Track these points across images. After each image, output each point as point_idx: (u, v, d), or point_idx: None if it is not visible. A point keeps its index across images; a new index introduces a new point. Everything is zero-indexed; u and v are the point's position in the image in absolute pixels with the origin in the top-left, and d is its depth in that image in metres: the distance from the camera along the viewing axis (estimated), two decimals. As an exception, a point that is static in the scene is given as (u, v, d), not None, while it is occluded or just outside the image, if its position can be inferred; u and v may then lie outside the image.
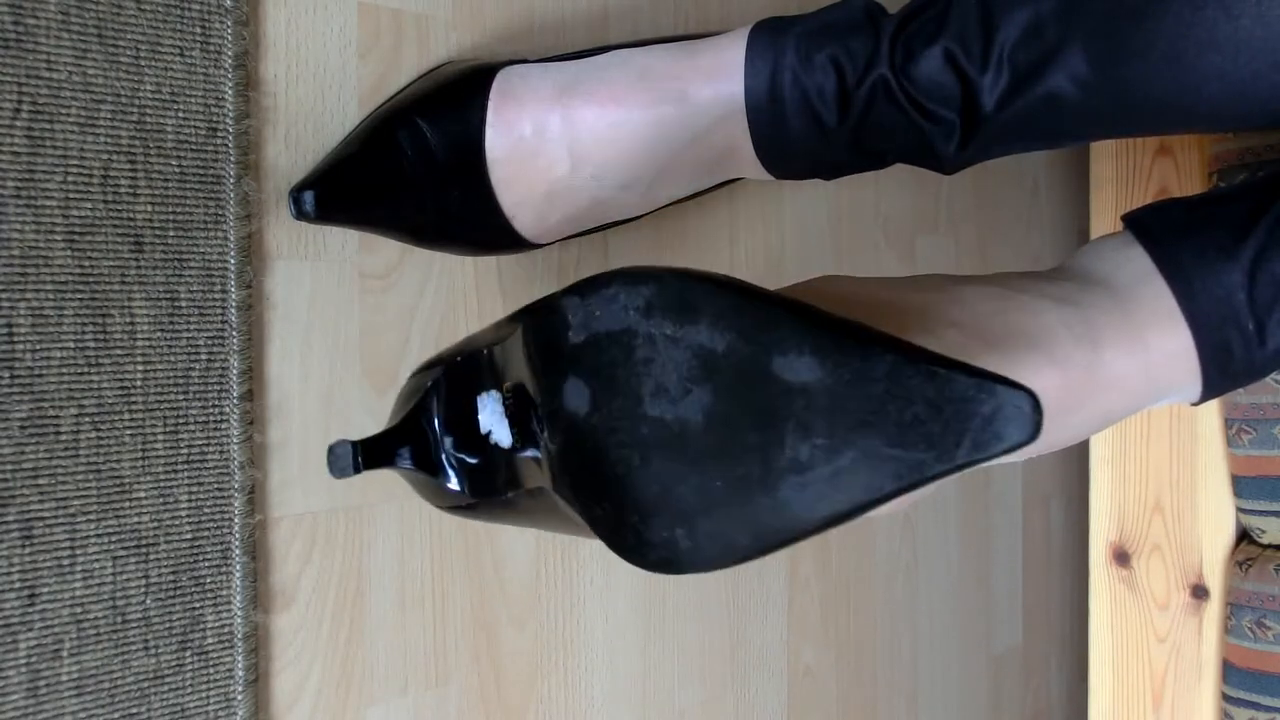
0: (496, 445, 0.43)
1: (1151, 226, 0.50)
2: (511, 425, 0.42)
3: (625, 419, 0.37)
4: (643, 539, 0.37)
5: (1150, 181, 0.89)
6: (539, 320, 0.40)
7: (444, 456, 0.45)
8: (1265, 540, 0.84)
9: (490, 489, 0.45)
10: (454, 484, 0.45)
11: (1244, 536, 0.87)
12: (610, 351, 0.37)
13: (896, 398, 0.32)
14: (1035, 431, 0.31)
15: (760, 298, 0.35)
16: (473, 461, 0.44)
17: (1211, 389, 0.49)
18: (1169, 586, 0.89)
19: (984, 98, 0.53)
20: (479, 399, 0.44)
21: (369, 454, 0.44)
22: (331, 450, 0.44)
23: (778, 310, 0.34)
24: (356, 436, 0.45)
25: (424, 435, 0.45)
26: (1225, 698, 0.84)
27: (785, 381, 0.34)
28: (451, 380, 0.45)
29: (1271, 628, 0.81)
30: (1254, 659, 0.82)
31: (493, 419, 0.43)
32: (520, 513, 0.46)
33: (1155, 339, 0.47)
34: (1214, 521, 0.87)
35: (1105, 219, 0.91)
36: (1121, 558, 0.91)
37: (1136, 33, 0.50)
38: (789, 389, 0.34)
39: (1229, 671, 0.84)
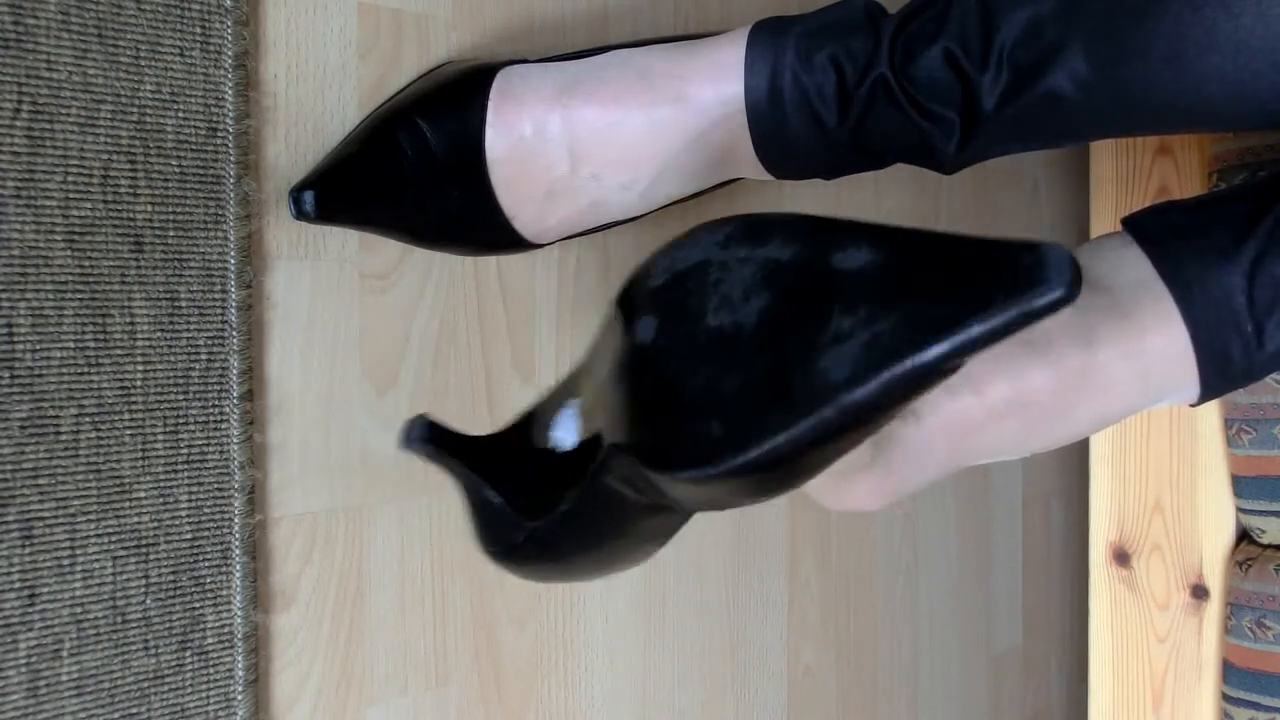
0: (558, 448, 0.43)
1: (1150, 228, 0.50)
2: (581, 426, 0.43)
3: (684, 336, 0.38)
4: (677, 436, 0.36)
5: (1150, 181, 0.89)
6: (629, 283, 0.42)
7: (509, 474, 0.44)
8: (1265, 540, 0.84)
9: (542, 495, 0.44)
10: (508, 491, 0.44)
11: (1244, 536, 0.87)
12: (685, 283, 0.38)
13: (940, 263, 0.33)
14: (1073, 286, 0.31)
15: (824, 218, 0.37)
16: (532, 471, 0.44)
17: (1210, 391, 0.49)
18: (1169, 586, 0.89)
19: (984, 97, 0.53)
20: (562, 412, 0.44)
21: (439, 436, 0.43)
22: (408, 423, 0.43)
23: (842, 220, 0.37)
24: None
25: (505, 457, 0.45)
26: (1225, 698, 0.84)
27: (841, 271, 0.35)
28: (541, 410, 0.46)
29: (1271, 628, 0.81)
30: (1254, 659, 0.82)
31: (565, 426, 0.44)
32: (566, 551, 0.44)
33: (1153, 341, 0.47)
34: (1214, 521, 0.87)
35: (1105, 219, 0.91)
36: (1121, 558, 0.91)
37: (1136, 33, 0.50)
38: (843, 276, 0.35)
39: (1229, 671, 0.84)
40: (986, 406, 0.44)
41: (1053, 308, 0.32)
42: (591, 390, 0.43)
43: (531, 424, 0.46)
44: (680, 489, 0.37)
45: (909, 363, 0.33)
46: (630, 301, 0.40)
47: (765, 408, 0.34)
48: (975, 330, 0.32)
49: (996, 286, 0.32)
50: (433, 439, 0.43)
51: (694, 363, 0.37)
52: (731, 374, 0.36)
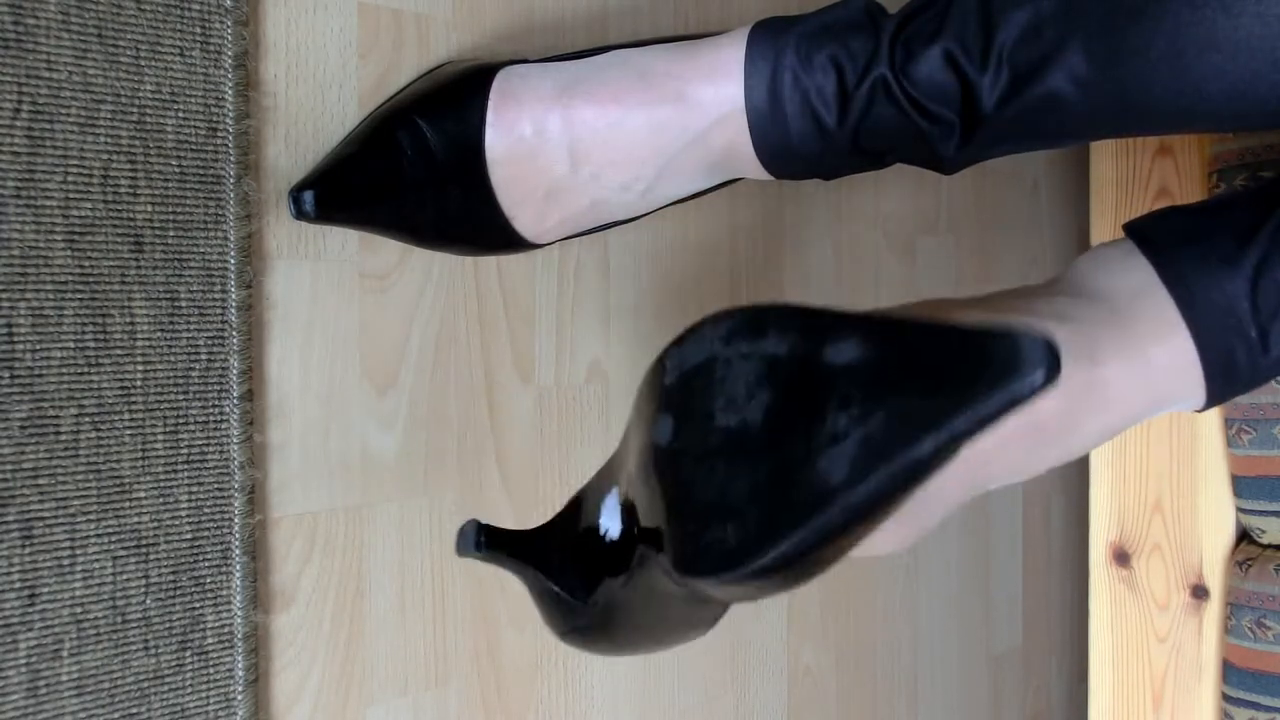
0: (606, 536, 0.45)
1: (1152, 234, 0.50)
2: (623, 515, 0.44)
3: (697, 438, 0.39)
4: (698, 545, 0.38)
5: (1150, 182, 0.89)
6: (648, 377, 0.43)
7: (563, 564, 0.46)
8: (1265, 540, 0.84)
9: (597, 580, 0.45)
10: (565, 582, 0.46)
11: (1244, 536, 0.87)
12: (695, 381, 0.40)
13: (925, 356, 0.35)
14: (1051, 370, 0.33)
15: (815, 307, 0.39)
16: (584, 559, 0.46)
17: (1216, 398, 0.48)
18: (1169, 586, 0.89)
19: (984, 98, 0.53)
20: (605, 500, 0.46)
21: (495, 542, 0.46)
22: (462, 531, 0.46)
23: (831, 311, 0.38)
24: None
25: (558, 544, 0.47)
26: (1225, 698, 0.84)
27: (833, 365, 0.37)
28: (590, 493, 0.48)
29: (1271, 628, 0.81)
30: (1254, 659, 0.82)
31: (610, 514, 0.45)
32: (620, 633, 0.47)
33: (1157, 352, 0.47)
34: (1214, 521, 0.87)
35: (1105, 219, 0.91)
36: (1121, 558, 0.91)
37: (1136, 32, 0.50)
38: (836, 371, 0.36)
39: (1229, 671, 0.84)
40: (997, 435, 0.44)
41: (1034, 393, 0.33)
42: (626, 480, 0.45)
43: (579, 510, 0.48)
44: (708, 588, 0.39)
45: (902, 460, 0.34)
46: (649, 398, 0.43)
47: (772, 513, 0.36)
48: (961, 424, 0.34)
49: (979, 380, 0.33)
50: (488, 543, 0.45)
51: (707, 465, 0.39)
52: (741, 477, 0.38)
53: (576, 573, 0.46)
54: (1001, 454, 0.45)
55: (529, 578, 0.46)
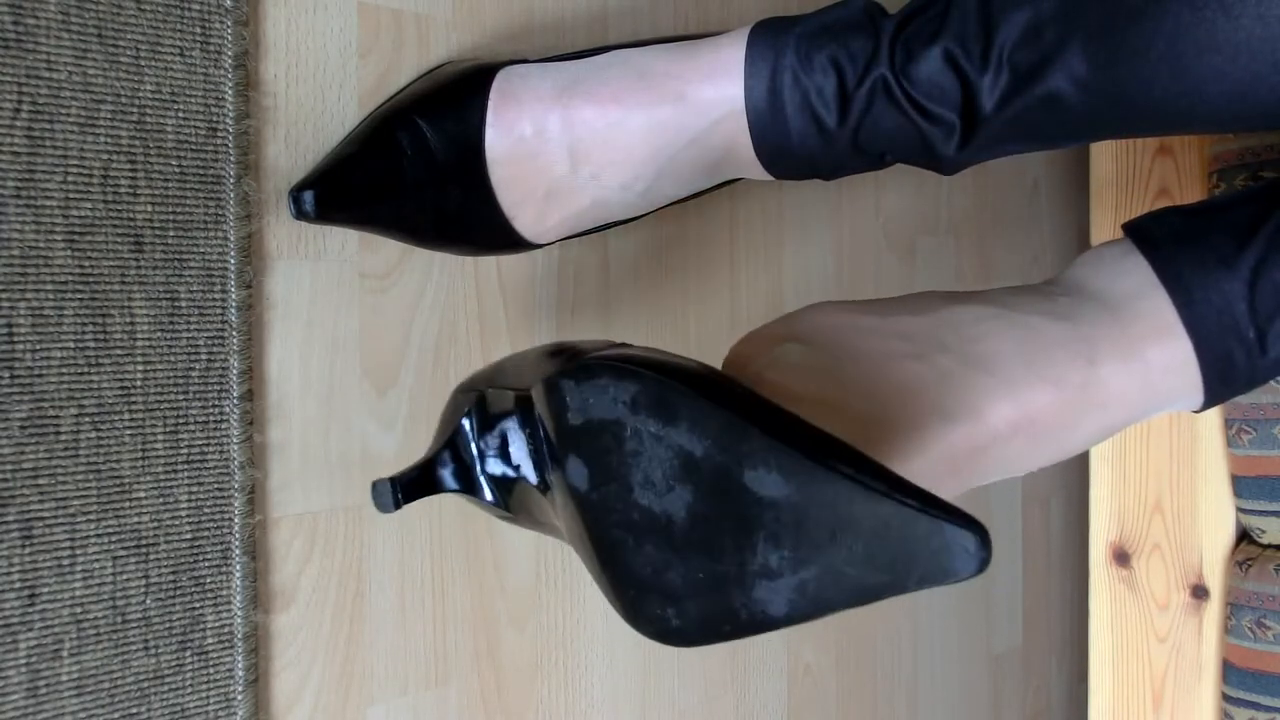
0: (525, 479, 0.46)
1: (1151, 234, 0.49)
2: (536, 469, 0.44)
3: (619, 503, 0.39)
4: (639, 612, 0.40)
5: (1150, 182, 0.89)
6: (544, 395, 0.42)
7: (481, 478, 0.49)
8: (1265, 540, 0.84)
9: (524, 509, 0.48)
10: (491, 499, 0.49)
11: (1244, 536, 0.87)
12: (603, 438, 0.39)
13: (853, 524, 0.34)
14: (981, 567, 0.33)
15: (734, 406, 0.36)
16: (508, 484, 0.48)
17: (1213, 398, 0.48)
18: (1169, 586, 0.89)
19: (984, 98, 0.53)
20: (509, 433, 0.47)
21: (407, 489, 0.48)
22: (374, 487, 0.48)
23: (748, 425, 0.35)
24: (394, 470, 0.50)
25: (460, 460, 0.49)
26: (1225, 698, 0.84)
27: (756, 494, 0.35)
28: (485, 409, 0.48)
29: (1271, 628, 0.81)
30: (1254, 659, 0.82)
31: (521, 456, 0.46)
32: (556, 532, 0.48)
33: (1154, 352, 0.46)
34: (1214, 521, 0.87)
35: (1105, 219, 0.91)
36: (1121, 558, 0.91)
37: (1136, 33, 0.50)
38: (759, 500, 0.35)
39: (1229, 671, 0.84)
40: (990, 430, 0.44)
41: (961, 580, 0.33)
42: (532, 437, 0.45)
43: (458, 432, 0.50)
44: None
45: (836, 608, 0.35)
46: (554, 417, 0.41)
47: (711, 616, 0.38)
48: (891, 593, 0.34)
49: (910, 566, 0.33)
50: (405, 498, 0.48)
51: (635, 538, 0.39)
52: (674, 566, 0.38)
53: (496, 491, 0.49)
54: (997, 448, 0.45)
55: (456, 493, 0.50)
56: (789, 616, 0.36)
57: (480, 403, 0.48)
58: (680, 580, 0.38)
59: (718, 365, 0.46)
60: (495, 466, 0.48)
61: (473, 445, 0.48)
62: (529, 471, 0.46)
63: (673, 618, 0.39)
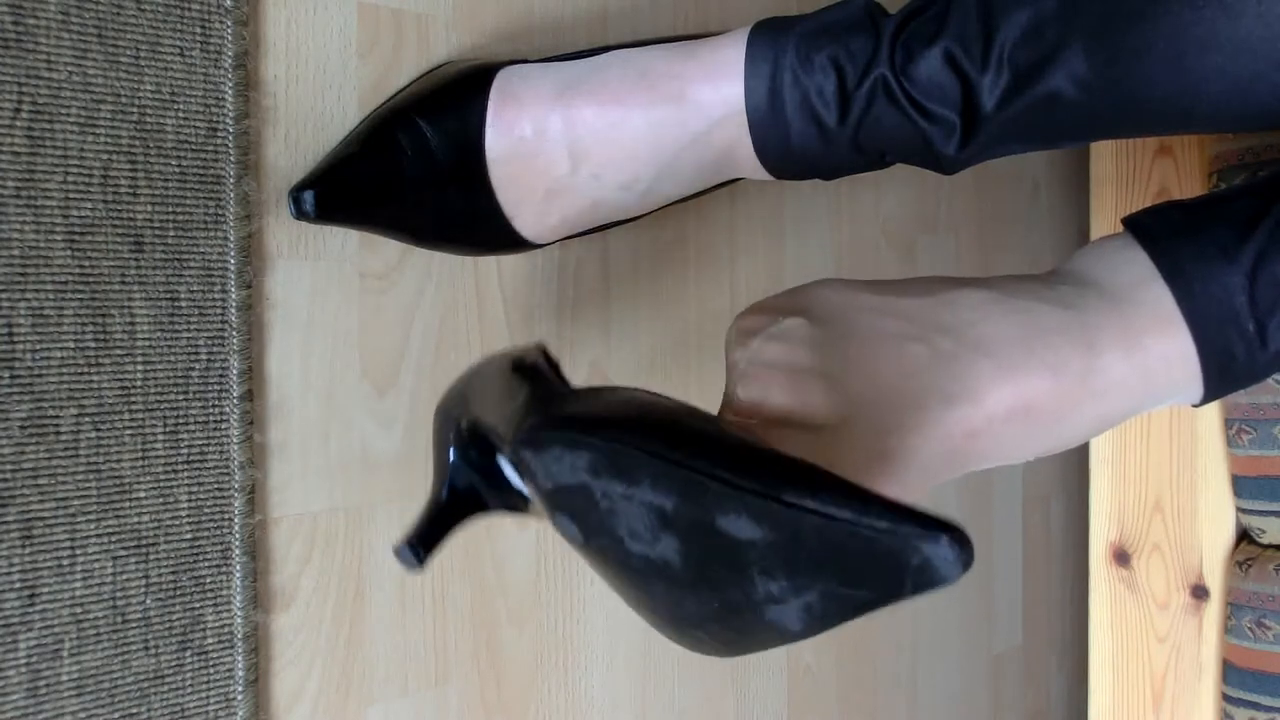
0: (514, 487, 0.48)
1: (1151, 228, 0.49)
2: (518, 471, 0.45)
3: (615, 553, 0.39)
4: (678, 637, 0.41)
5: (1150, 181, 0.89)
6: (511, 462, 0.42)
7: (490, 499, 0.50)
8: (1265, 540, 0.84)
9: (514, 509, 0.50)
10: (509, 508, 0.50)
11: (1244, 536, 0.87)
12: (577, 500, 0.39)
13: (833, 551, 0.34)
14: (965, 569, 0.33)
15: (690, 461, 0.35)
16: (520, 503, 0.49)
17: (1213, 392, 0.48)
18: (1169, 586, 0.89)
19: (984, 98, 0.53)
20: (500, 461, 0.48)
21: (424, 541, 0.49)
22: (397, 555, 0.49)
23: (703, 479, 0.35)
24: (403, 536, 0.50)
25: (464, 494, 0.50)
26: (1225, 698, 0.84)
27: (735, 537, 0.35)
28: (470, 444, 0.49)
29: (1271, 628, 0.81)
30: (1254, 659, 0.82)
31: (516, 480, 0.47)
32: None
33: (1154, 343, 0.46)
34: (1214, 521, 0.87)
35: (1105, 219, 0.91)
36: (1121, 558, 0.91)
37: (1137, 33, 0.50)
38: (740, 543, 0.35)
39: (1229, 671, 0.84)
40: (987, 413, 0.44)
41: (950, 584, 0.34)
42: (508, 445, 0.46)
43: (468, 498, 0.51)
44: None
45: (849, 618, 0.36)
46: (529, 478, 0.41)
47: (740, 636, 0.39)
48: (890, 604, 0.34)
49: (899, 579, 0.33)
50: (427, 553, 0.49)
51: (644, 581, 0.39)
52: (688, 601, 0.39)
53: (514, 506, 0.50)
54: (994, 433, 0.45)
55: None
56: (808, 629, 0.36)
57: (463, 438, 0.49)
58: (697, 611, 0.38)
59: (719, 356, 0.46)
60: (497, 500, 0.49)
61: (473, 474, 0.49)
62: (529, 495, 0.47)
63: (705, 639, 0.40)
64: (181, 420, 0.52)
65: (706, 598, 0.38)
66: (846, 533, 0.33)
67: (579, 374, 0.70)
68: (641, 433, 0.36)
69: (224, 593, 0.53)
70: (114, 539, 0.50)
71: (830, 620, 0.36)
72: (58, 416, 0.49)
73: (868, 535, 0.33)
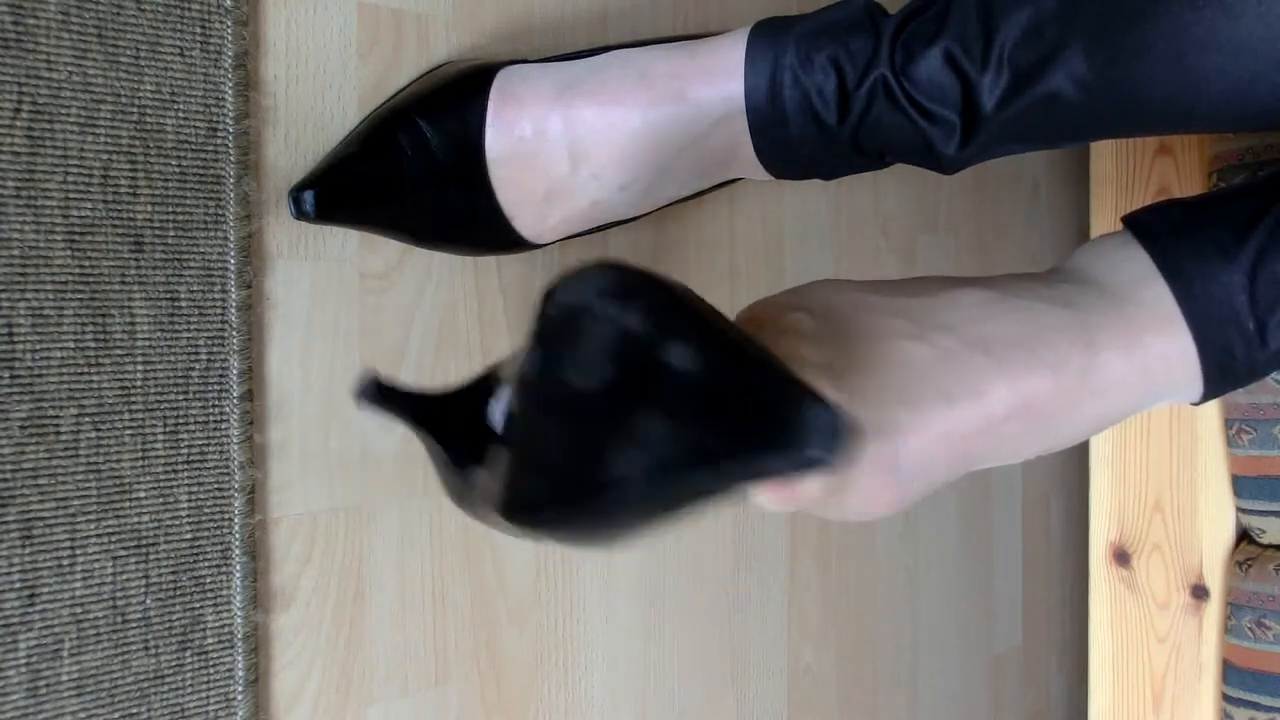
0: (491, 427, 0.46)
1: (1151, 226, 0.50)
2: (505, 414, 0.45)
3: (550, 384, 0.40)
4: (515, 495, 0.41)
5: (1150, 181, 0.89)
6: (546, 294, 0.44)
7: (457, 434, 0.48)
8: (1265, 540, 0.84)
9: (479, 459, 0.47)
10: (456, 453, 0.48)
11: (1244, 536, 0.87)
12: (567, 324, 0.40)
13: (739, 392, 0.35)
14: (835, 452, 0.34)
15: (685, 294, 0.39)
16: (474, 436, 0.47)
17: (1213, 390, 0.48)
18: (1169, 586, 0.89)
19: (984, 98, 0.53)
20: (499, 391, 0.47)
21: (388, 394, 0.47)
22: (360, 381, 0.46)
23: (695, 311, 0.38)
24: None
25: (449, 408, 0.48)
26: (1225, 698, 0.84)
27: (665, 366, 0.37)
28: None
29: (1271, 628, 0.81)
30: (1254, 659, 0.82)
31: (497, 407, 0.46)
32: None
33: (1154, 341, 0.47)
34: (1214, 521, 0.87)
35: (1105, 219, 0.91)
36: (1121, 558, 0.91)
37: (1137, 33, 0.50)
38: (664, 373, 0.37)
39: (1229, 671, 0.84)
40: (987, 412, 0.44)
41: (810, 466, 0.35)
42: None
43: (485, 387, 0.49)
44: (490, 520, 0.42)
45: (692, 467, 0.36)
46: (535, 315, 0.43)
47: (567, 487, 0.39)
48: (729, 469, 0.35)
49: (767, 437, 0.34)
50: (382, 397, 0.46)
51: (544, 415, 0.40)
52: (565, 437, 0.39)
53: (468, 446, 0.47)
54: (993, 431, 0.45)
55: (424, 439, 0.48)
56: (648, 479, 0.37)
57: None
58: (562, 451, 0.39)
59: None
60: (467, 420, 0.48)
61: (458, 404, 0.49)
62: (498, 418, 0.47)
63: (544, 490, 0.40)
64: (181, 420, 0.52)
65: (583, 434, 0.38)
66: (771, 374, 0.35)
67: (579, 374, 0.70)
68: (661, 279, 0.40)
69: (224, 593, 0.53)
70: (114, 539, 0.50)
71: (672, 469, 0.36)
72: (58, 416, 0.49)
73: (783, 382, 0.35)
